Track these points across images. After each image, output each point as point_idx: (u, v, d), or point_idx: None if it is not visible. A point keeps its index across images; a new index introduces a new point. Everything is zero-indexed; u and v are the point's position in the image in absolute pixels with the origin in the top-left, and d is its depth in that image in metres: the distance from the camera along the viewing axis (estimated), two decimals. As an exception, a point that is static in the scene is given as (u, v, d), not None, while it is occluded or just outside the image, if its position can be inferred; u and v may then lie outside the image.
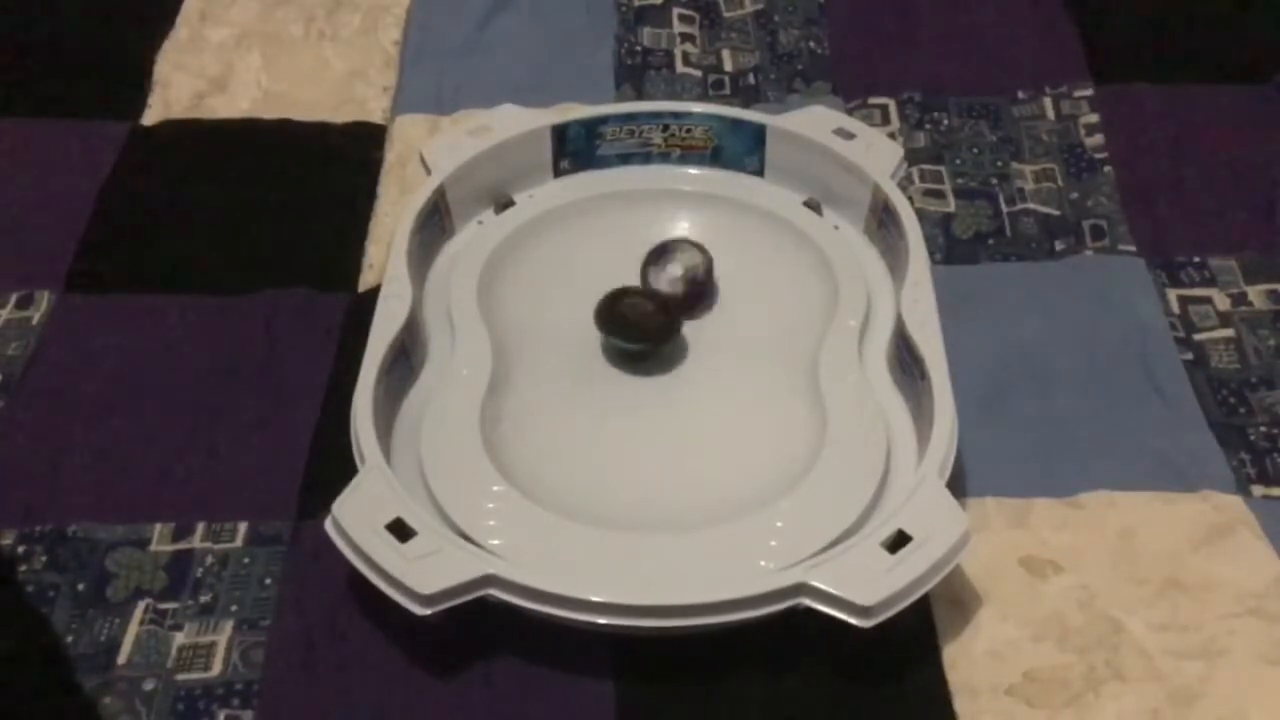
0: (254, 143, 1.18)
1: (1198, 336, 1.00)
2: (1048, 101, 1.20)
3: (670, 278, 0.99)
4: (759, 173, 1.08)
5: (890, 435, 0.88)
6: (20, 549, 0.87)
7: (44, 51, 1.27)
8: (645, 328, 0.96)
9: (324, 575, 0.84)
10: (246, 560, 0.87)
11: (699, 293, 1.00)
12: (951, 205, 1.11)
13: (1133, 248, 1.07)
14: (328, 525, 0.81)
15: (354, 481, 0.83)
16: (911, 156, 1.12)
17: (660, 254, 1.00)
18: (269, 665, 0.81)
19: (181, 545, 0.87)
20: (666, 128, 1.08)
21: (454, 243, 1.04)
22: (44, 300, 1.03)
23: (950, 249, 1.08)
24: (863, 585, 0.76)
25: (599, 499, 0.87)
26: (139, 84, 1.23)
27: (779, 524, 0.83)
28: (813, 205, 1.05)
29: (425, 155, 1.05)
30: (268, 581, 0.85)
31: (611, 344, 0.97)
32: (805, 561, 0.78)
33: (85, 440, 0.94)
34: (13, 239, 1.09)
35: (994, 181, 1.13)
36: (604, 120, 1.08)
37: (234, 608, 0.84)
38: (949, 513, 0.80)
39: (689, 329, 0.99)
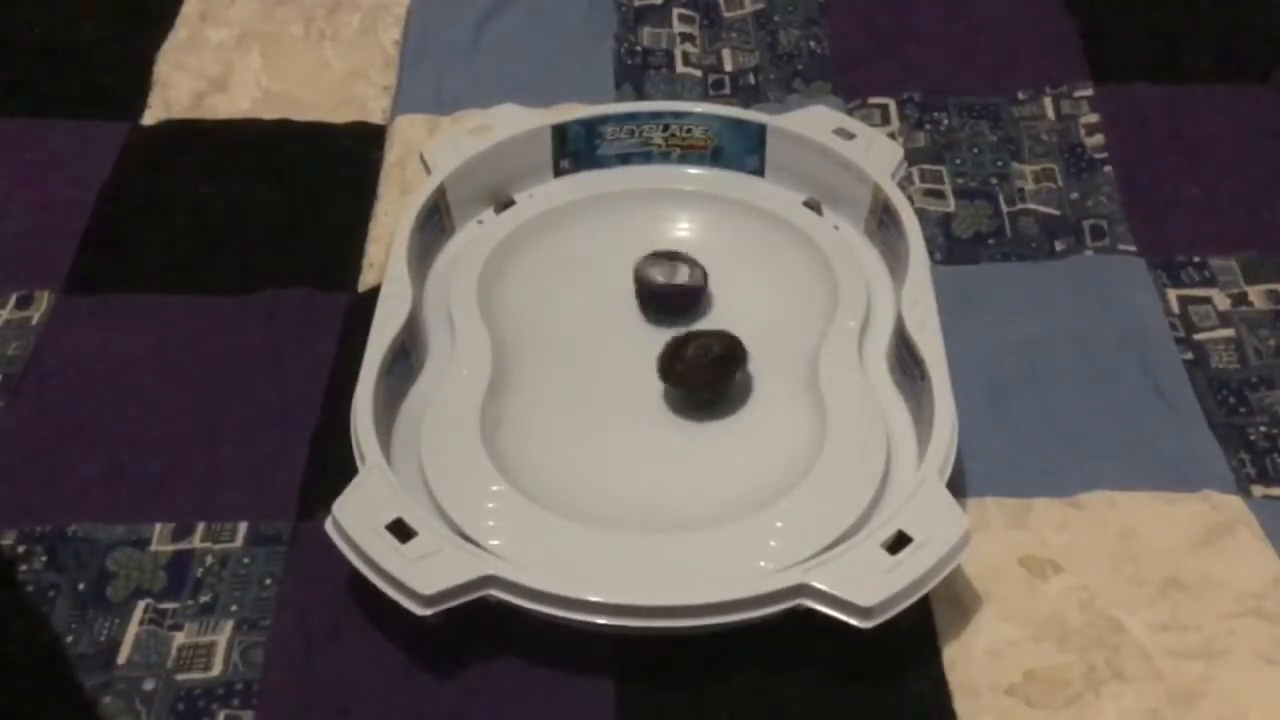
0: (254, 143, 1.18)
1: (1198, 336, 1.00)
2: (1048, 101, 1.20)
3: (669, 271, 0.98)
4: (759, 173, 1.08)
5: (890, 436, 0.88)
6: (20, 549, 0.87)
7: (44, 51, 1.27)
8: (704, 378, 0.93)
9: (324, 575, 0.84)
10: (246, 560, 0.87)
11: (697, 292, 0.99)
12: (951, 205, 1.11)
13: (1133, 248, 1.07)
14: (328, 525, 0.81)
15: (354, 481, 0.83)
16: (911, 156, 1.12)
17: (660, 256, 1.00)
18: (269, 665, 0.81)
19: (181, 545, 0.87)
20: (666, 128, 1.08)
21: (454, 243, 1.04)
22: (44, 300, 1.03)
23: (950, 249, 1.08)
24: (863, 586, 0.76)
25: (599, 499, 0.87)
26: (139, 84, 1.23)
27: (779, 524, 0.83)
28: (813, 205, 1.05)
29: (425, 155, 1.05)
30: (268, 581, 0.85)
31: (674, 393, 0.94)
32: (805, 562, 0.78)
33: (85, 440, 0.94)
34: (13, 239, 1.09)
35: (994, 181, 1.13)
36: (604, 120, 1.08)
37: (234, 608, 0.84)
38: (949, 513, 0.80)
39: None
